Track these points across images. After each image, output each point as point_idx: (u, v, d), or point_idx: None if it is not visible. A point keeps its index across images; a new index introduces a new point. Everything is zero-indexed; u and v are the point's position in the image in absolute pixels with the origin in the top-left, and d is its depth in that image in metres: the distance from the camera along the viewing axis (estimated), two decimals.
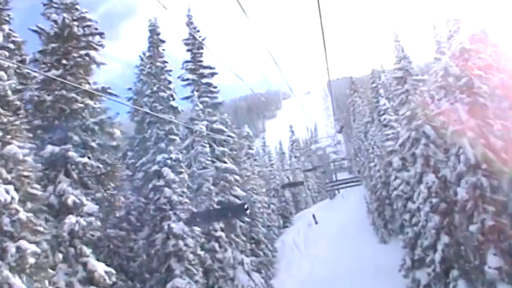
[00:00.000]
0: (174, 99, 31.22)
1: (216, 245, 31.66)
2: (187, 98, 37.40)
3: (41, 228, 15.26)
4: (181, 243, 26.87)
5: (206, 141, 33.84)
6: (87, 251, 19.01)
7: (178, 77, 37.86)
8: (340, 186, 61.77)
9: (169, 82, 31.34)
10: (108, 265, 20.33)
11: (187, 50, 38.52)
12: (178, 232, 26.88)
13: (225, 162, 35.52)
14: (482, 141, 23.76)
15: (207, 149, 33.48)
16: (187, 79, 37.66)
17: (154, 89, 30.43)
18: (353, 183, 61.48)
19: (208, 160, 33.03)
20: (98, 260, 20.27)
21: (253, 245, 41.76)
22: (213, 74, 38.03)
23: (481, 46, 26.26)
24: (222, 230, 32.47)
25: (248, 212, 18.87)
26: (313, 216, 65.99)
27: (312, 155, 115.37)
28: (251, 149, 62.26)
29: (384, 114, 37.42)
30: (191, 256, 27.03)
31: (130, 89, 36.61)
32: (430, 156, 27.82)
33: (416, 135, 28.53)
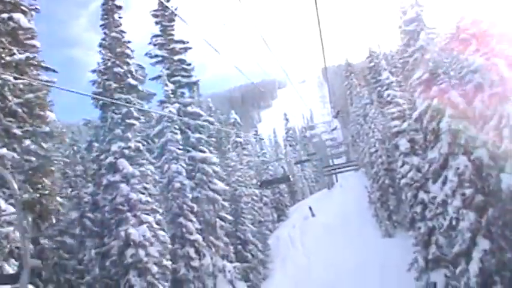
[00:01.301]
0: (133, 77, 25.83)
1: (191, 251, 26.43)
2: (156, 78, 32.15)
3: None
4: (141, 252, 21.64)
5: (177, 127, 28.41)
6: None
7: (146, 54, 32.51)
8: (338, 170, 58.95)
9: (128, 56, 25.88)
10: (52, 282, 15.25)
11: (156, 23, 33.12)
12: (137, 239, 21.60)
13: (202, 151, 30.13)
14: None
15: (178, 136, 28.08)
16: (156, 56, 32.24)
17: (109, 64, 24.97)
18: (350, 167, 57.55)
19: (179, 149, 27.63)
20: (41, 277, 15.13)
21: (240, 246, 36.45)
22: (186, 49, 32.62)
23: None
24: (199, 232, 27.14)
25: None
26: (310, 208, 60.51)
27: (307, 144, 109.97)
28: (239, 137, 56.86)
29: (387, 89, 31.99)
30: (155, 268, 21.71)
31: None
32: (460, 132, 21.73)
33: (439, 104, 22.61)
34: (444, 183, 21.83)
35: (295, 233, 54.34)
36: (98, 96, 23.35)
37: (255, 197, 48.20)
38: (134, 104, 24.46)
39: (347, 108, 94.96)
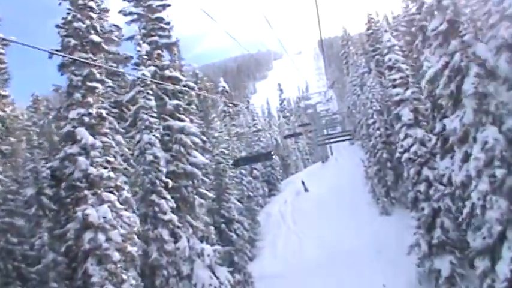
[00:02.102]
0: (97, 33, 22.33)
1: (165, 233, 23.16)
2: (130, 38, 28.68)
3: None
4: (101, 237, 18.43)
5: (151, 93, 25.00)
6: None
7: (120, 11, 28.94)
8: (332, 140, 57.01)
9: (91, 9, 22.32)
10: None
11: None
12: (96, 221, 18.39)
13: (180, 120, 26.78)
14: None
15: (152, 103, 24.68)
16: (131, 13, 28.66)
17: (69, 18, 21.43)
18: (345, 138, 54.67)
19: (153, 117, 24.28)
20: None
21: (224, 225, 33.32)
22: (165, 6, 28.94)
23: None
24: (174, 212, 23.95)
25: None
26: (303, 182, 57.37)
27: (302, 115, 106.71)
28: (228, 106, 53.56)
29: (388, 53, 28.51)
30: (117, 255, 18.54)
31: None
32: (489, 96, 17.82)
33: (461, 61, 18.65)
34: (465, 160, 18.12)
35: (287, 209, 51.43)
36: (56, 53, 19.94)
37: (243, 171, 45.12)
38: (97, 63, 20.86)
39: (343, 79, 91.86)
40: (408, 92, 27.49)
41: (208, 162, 27.58)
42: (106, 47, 24.06)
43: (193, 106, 29.84)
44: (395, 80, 27.96)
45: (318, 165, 74.08)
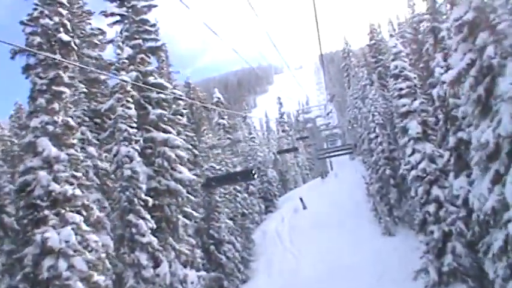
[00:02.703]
0: (67, 31, 19.92)
1: (143, 257, 20.58)
2: (110, 41, 26.42)
3: None
4: (62, 264, 15.87)
5: (131, 100, 22.55)
6: None
7: (101, 13, 26.59)
8: (332, 154, 54.06)
9: (61, 4, 19.94)
10: None
11: None
12: (57, 246, 15.85)
13: (164, 131, 24.32)
14: None
15: (132, 111, 22.22)
16: (113, 14, 26.27)
17: (35, 14, 19.04)
18: (345, 151, 52.15)
19: (132, 127, 21.81)
20: None
21: (213, 247, 30.60)
22: (150, 7, 26.56)
23: None
24: (155, 233, 21.40)
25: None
26: (301, 199, 54.65)
27: (302, 130, 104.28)
28: (223, 118, 51.02)
29: (394, 60, 25.99)
30: (80, 286, 15.95)
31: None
32: None
33: (493, 56, 15.17)
34: (496, 182, 15.06)
35: (284, 228, 48.74)
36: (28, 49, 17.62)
37: (238, 187, 42.55)
38: (65, 62, 18.36)
39: (344, 94, 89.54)
40: (416, 103, 24.94)
41: (195, 178, 24.97)
42: (90, 51, 21.67)
43: (180, 117, 27.31)
44: (401, 89, 25.40)
45: (317, 181, 71.40)
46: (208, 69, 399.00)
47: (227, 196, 36.73)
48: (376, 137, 41.72)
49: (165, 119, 24.28)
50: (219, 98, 54.48)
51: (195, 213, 24.25)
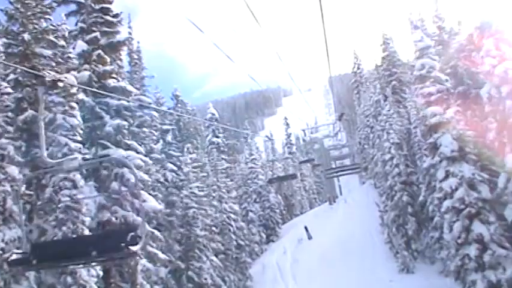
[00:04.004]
0: None
1: None
2: (63, 36, 21.23)
3: None
4: None
5: (75, 106, 17.18)
6: None
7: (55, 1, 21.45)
8: (340, 173, 53.58)
9: None
10: None
11: None
12: None
13: (127, 148, 18.89)
14: None
15: (77, 121, 16.83)
16: (65, 1, 21.14)
17: None
18: (353, 170, 53.23)
19: (76, 141, 16.41)
20: None
21: None
22: None
23: None
24: (101, 281, 15.82)
25: None
26: (306, 228, 48.50)
27: (310, 152, 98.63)
28: (217, 136, 45.49)
29: (420, 57, 20.36)
30: None
31: None
32: None
33: None
34: None
35: (286, 262, 42.69)
36: None
37: (232, 214, 36.95)
38: None
39: (353, 116, 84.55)
40: (450, 112, 19.25)
41: (162, 209, 19.33)
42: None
43: (146, 129, 21.76)
44: (430, 94, 19.73)
45: (325, 206, 65.16)
46: (216, 93, 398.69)
47: (214, 228, 31.04)
48: (392, 158, 36.32)
49: (125, 131, 18.80)
50: (213, 114, 48.92)
51: (160, 255, 18.42)
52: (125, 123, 19.05)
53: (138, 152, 19.60)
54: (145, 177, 18.59)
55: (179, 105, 39.27)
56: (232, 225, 36.56)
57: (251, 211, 48.35)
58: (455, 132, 18.89)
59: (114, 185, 18.04)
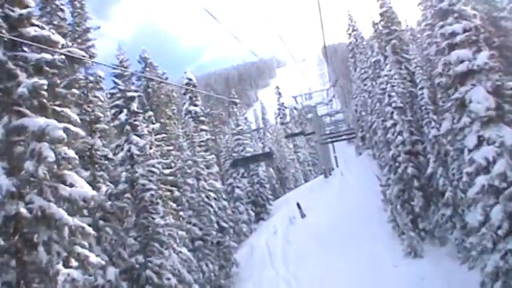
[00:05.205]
0: None
1: None
2: None
3: None
4: None
5: None
6: None
7: None
8: (335, 139, 51.08)
9: None
10: None
11: None
12: None
13: (43, 115, 14.01)
14: None
15: None
16: None
17: None
18: (348, 136, 50.69)
19: None
20: None
21: None
22: None
23: None
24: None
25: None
26: (298, 205, 43.83)
27: (304, 123, 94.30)
28: (195, 105, 40.51)
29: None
30: None
31: None
32: None
33: None
34: None
35: (276, 243, 38.11)
36: None
37: (211, 193, 32.31)
38: None
39: (348, 83, 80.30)
40: (482, 56, 14.32)
41: (96, 194, 14.45)
42: None
43: (76, 91, 16.70)
44: (454, 34, 14.77)
45: (319, 179, 60.43)
46: (210, 65, 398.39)
47: (191, 212, 26.34)
48: (394, 124, 31.84)
49: (43, 92, 13.90)
50: (190, 79, 43.81)
51: (92, 258, 13.59)
52: (44, 81, 14.04)
53: (70, 122, 14.74)
54: (71, 153, 13.71)
55: (147, 68, 34.35)
56: (212, 206, 31.90)
57: (237, 187, 43.77)
58: (490, 83, 13.98)
59: (29, 165, 13.17)
